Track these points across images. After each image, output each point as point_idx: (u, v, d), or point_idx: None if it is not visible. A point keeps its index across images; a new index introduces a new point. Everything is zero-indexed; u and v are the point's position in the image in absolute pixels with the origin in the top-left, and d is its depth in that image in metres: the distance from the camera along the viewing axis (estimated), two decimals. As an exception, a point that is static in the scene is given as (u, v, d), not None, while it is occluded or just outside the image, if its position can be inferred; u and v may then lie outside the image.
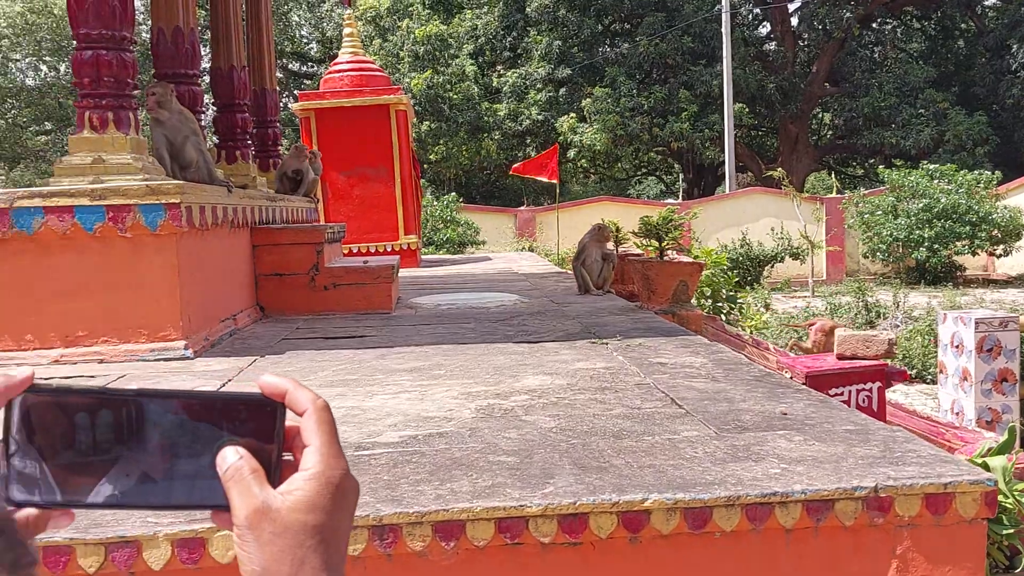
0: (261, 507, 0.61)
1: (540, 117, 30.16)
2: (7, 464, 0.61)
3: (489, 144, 31.84)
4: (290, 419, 0.65)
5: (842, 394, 3.90)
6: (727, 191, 22.82)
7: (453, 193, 22.06)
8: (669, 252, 5.59)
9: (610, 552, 2.05)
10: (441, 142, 30.31)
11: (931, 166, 18.33)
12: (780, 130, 32.01)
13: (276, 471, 0.64)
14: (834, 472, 2.08)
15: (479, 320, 5.25)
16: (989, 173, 17.99)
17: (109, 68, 4.25)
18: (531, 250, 18.24)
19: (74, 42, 4.33)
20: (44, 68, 34.57)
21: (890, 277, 18.24)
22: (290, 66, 37.24)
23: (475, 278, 8.62)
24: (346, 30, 12.17)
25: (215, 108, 6.82)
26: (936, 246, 16.87)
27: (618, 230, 6.84)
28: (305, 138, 11.06)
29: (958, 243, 16.97)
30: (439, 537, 2.01)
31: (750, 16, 33.45)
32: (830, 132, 33.77)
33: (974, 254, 17.53)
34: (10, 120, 33.50)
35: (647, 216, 5.67)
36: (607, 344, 4.19)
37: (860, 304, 12.95)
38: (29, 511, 0.62)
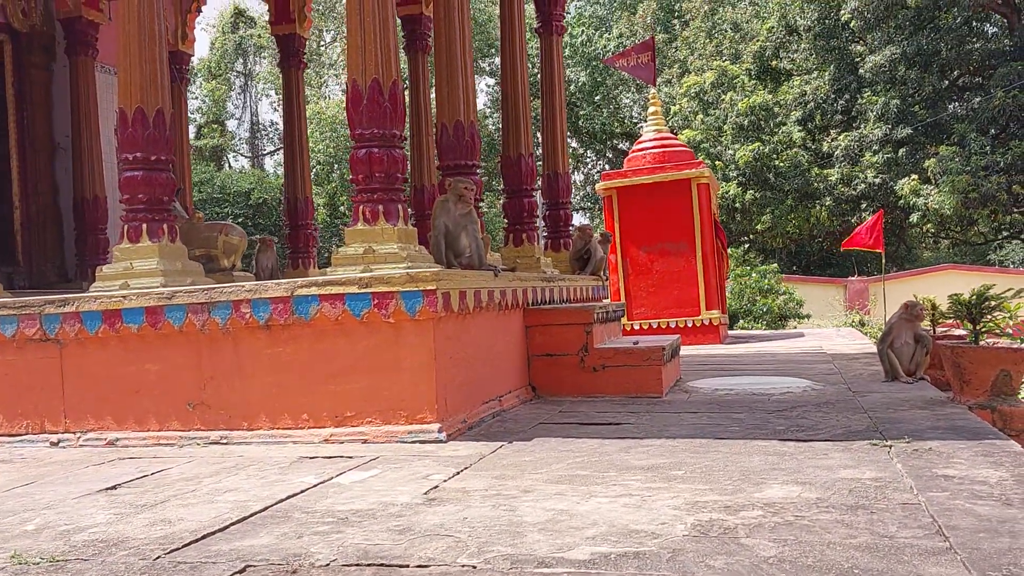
0: None
1: (877, 180, 28.10)
2: None
3: (819, 211, 30.23)
4: None
5: None
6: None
7: (775, 264, 21.06)
8: (988, 336, 4.72)
9: None
10: (767, 211, 29.37)
11: None
12: None
13: None
14: None
15: (752, 410, 4.78)
16: None
17: (380, 164, 4.52)
18: (862, 324, 16.79)
19: (352, 142, 4.67)
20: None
21: None
22: (619, 146, 38.34)
23: (775, 358, 7.99)
24: (650, 108, 12.22)
25: (504, 194, 7.08)
26: None
27: (934, 308, 5.97)
28: (607, 216, 11.17)
29: None
30: None
31: None
32: None
33: None
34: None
35: (957, 294, 4.86)
36: (890, 447, 3.56)
37: None
38: None
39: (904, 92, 28.40)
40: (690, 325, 10.52)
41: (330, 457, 3.99)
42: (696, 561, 2.23)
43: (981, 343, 4.67)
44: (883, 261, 16.34)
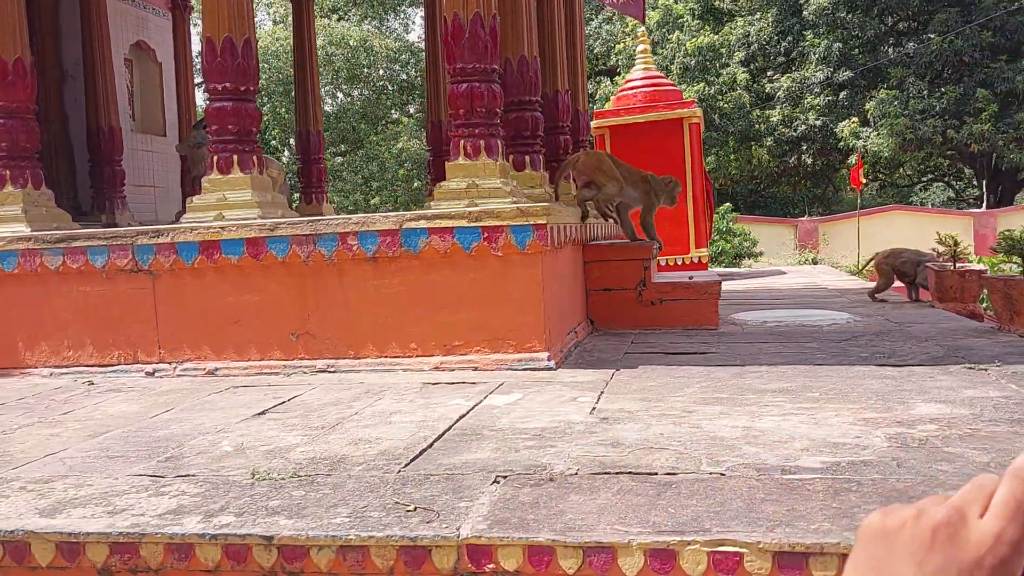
0: None
1: (817, 122, 28.88)
2: None
3: (760, 152, 30.97)
4: None
5: None
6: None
7: (728, 204, 21.61)
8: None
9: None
10: (712, 152, 29.90)
11: None
12: (1100, 128, 28.39)
13: None
14: None
15: (819, 340, 5.11)
16: None
17: (481, 99, 4.61)
18: (814, 262, 17.50)
19: (448, 75, 4.73)
20: (340, 95, 37.87)
21: None
22: (602, 83, 38.34)
23: (782, 293, 8.40)
24: (639, 47, 12.35)
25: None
26: None
27: (956, 244, 6.40)
28: (599, 154, 11.32)
29: None
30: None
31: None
32: None
33: None
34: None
35: (1009, 230, 5.25)
36: (987, 370, 3.92)
37: None
38: None
39: (845, 36, 28.99)
40: (680, 263, 10.85)
41: (452, 383, 4.16)
42: (925, 467, 2.50)
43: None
44: (859, 201, 16.91)
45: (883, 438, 2.84)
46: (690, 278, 6.07)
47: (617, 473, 2.57)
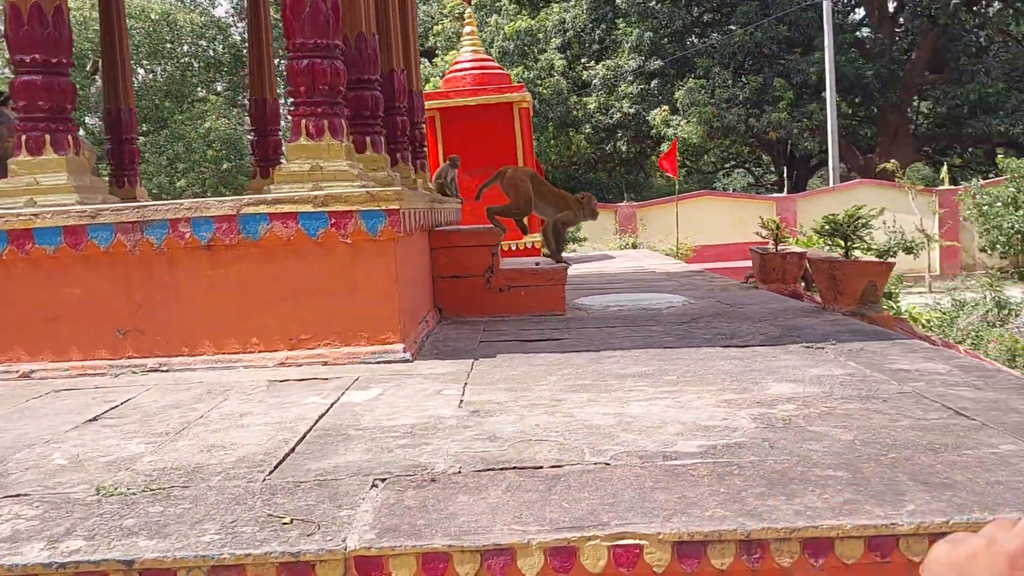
0: None
1: (631, 110, 29.97)
2: None
3: (578, 138, 31.78)
4: None
5: None
6: (831, 184, 22.30)
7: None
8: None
9: (979, 571, 2.02)
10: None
11: (1055, 155, 17.61)
12: (879, 119, 31.15)
13: None
14: None
15: (661, 323, 5.24)
16: (1119, 161, 17.24)
17: (324, 76, 4.36)
18: (634, 246, 18.15)
19: (289, 51, 4.45)
20: (141, 72, 35.56)
21: (1010, 272, 17.60)
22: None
23: (615, 277, 8.61)
24: (466, 28, 12.29)
25: (377, 111, 6.95)
26: (1063, 239, 16.23)
27: (778, 227, 6.75)
28: (430, 137, 11.19)
29: (1086, 236, 16.31)
30: (808, 554, 2.01)
31: (843, 1, 32.63)
32: (928, 120, 32.72)
33: (1108, 246, 16.83)
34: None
35: (832, 215, 5.58)
36: (824, 349, 4.13)
37: (990, 300, 12.52)
38: None
39: (656, 25, 30.18)
40: (514, 248, 10.91)
41: (303, 380, 3.93)
42: (797, 447, 2.57)
43: (851, 258, 5.43)
44: (677, 187, 17.60)
45: (749, 419, 2.90)
46: (536, 264, 6.08)
47: (502, 469, 2.48)
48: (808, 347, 4.21)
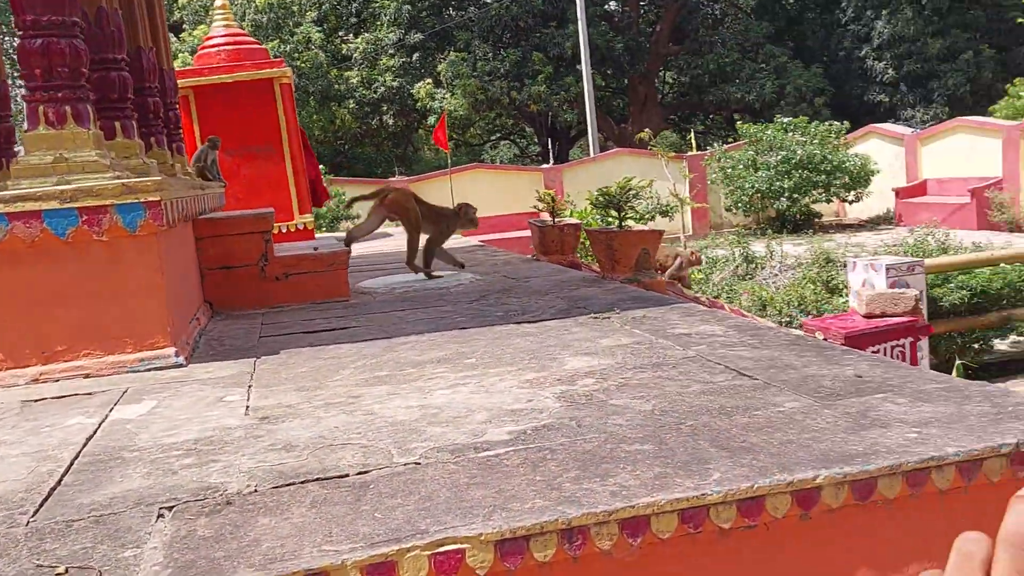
0: None
1: (395, 84, 29.69)
2: None
3: (342, 113, 31.08)
4: None
5: (879, 351, 4.14)
6: (591, 154, 23.26)
7: (322, 166, 21.39)
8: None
9: (782, 531, 2.12)
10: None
11: (785, 119, 19.38)
12: (629, 90, 32.85)
13: None
14: (969, 432, 2.23)
15: (452, 302, 5.19)
16: (839, 124, 19.24)
17: (62, 57, 3.88)
18: (410, 221, 18.02)
19: (18, 29, 3.92)
20: None
21: (752, 228, 19.22)
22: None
23: (397, 256, 8.45)
24: (218, 1, 11.53)
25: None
26: (795, 195, 17.91)
27: (553, 200, 6.89)
28: (185, 118, 10.44)
29: (815, 192, 18.08)
30: (626, 534, 2.02)
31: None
32: (674, 90, 34.94)
33: (828, 201, 18.74)
34: None
35: (605, 187, 5.74)
36: (610, 319, 4.24)
37: (739, 256, 13.59)
38: None
39: (414, -2, 29.93)
40: (285, 231, 10.47)
41: (63, 397, 3.51)
42: (603, 423, 2.58)
43: (625, 228, 5.62)
44: (450, 160, 17.57)
45: (553, 398, 2.90)
46: (315, 248, 5.82)
47: (303, 482, 2.30)
48: (596, 317, 4.30)
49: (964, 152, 18.18)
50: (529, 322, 4.34)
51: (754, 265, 13.67)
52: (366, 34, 30.71)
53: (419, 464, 2.37)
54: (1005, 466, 2.15)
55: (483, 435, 2.57)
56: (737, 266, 13.62)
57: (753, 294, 11.27)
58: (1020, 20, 21.32)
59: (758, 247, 14.88)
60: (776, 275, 13.03)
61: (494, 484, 2.17)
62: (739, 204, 19.26)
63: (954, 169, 18.29)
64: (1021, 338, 10.05)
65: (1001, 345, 10.26)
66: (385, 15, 30.14)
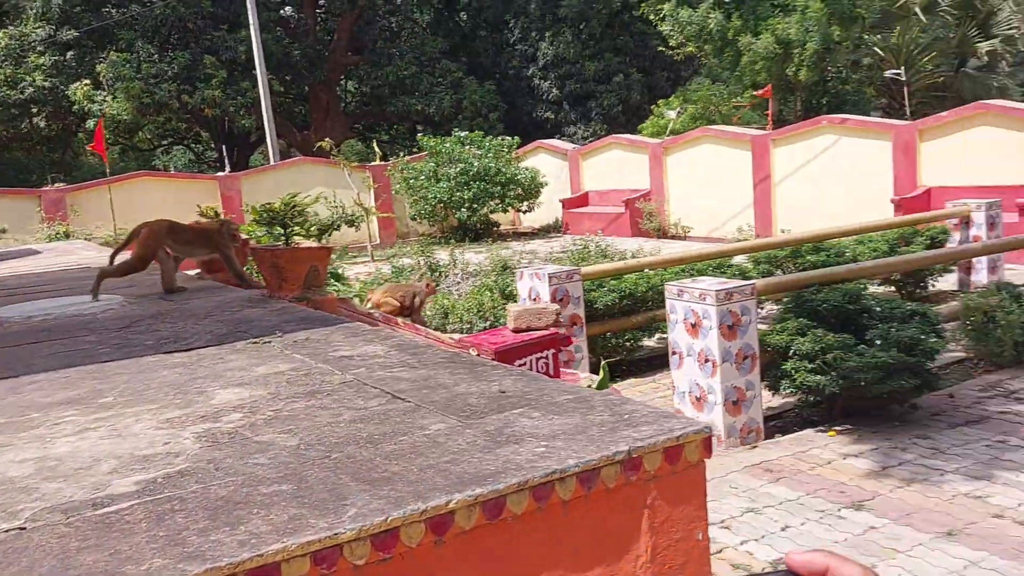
0: None
1: (47, 84, 26.90)
2: None
3: (-14, 115, 27.59)
4: None
5: (526, 364, 4.30)
6: (271, 161, 22.59)
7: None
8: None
9: (418, 559, 2.13)
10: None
11: (462, 133, 20.14)
12: (311, 98, 32.43)
13: None
14: (590, 442, 2.39)
15: (96, 331, 4.74)
16: (510, 139, 20.34)
17: None
18: (67, 236, 16.37)
19: None
20: None
21: (437, 237, 19.75)
22: None
23: (43, 278, 7.60)
24: None
25: None
26: (475, 206, 18.67)
27: (217, 215, 6.56)
28: None
29: (492, 202, 18.98)
30: (257, 584, 1.92)
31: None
32: (356, 99, 35.03)
33: (505, 211, 19.75)
34: None
35: (268, 203, 5.52)
36: (271, 343, 4.09)
37: (424, 264, 13.89)
38: None
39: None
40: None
41: None
42: (242, 464, 2.46)
43: (291, 245, 5.45)
44: (108, 170, 16.07)
45: (192, 439, 2.72)
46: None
47: None
48: (256, 342, 4.13)
49: (618, 166, 20.03)
50: (181, 351, 4.07)
51: (438, 273, 14.05)
52: (9, 28, 27.49)
53: (24, 530, 2.10)
54: (619, 472, 2.33)
55: (106, 488, 2.34)
56: (423, 275, 13.91)
57: (435, 303, 11.56)
58: (661, 48, 23.93)
59: (443, 255, 15.32)
60: (459, 283, 13.48)
61: (109, 546, 1.97)
62: (423, 213, 19.71)
63: (611, 182, 20.09)
64: (664, 335, 11.23)
65: (649, 342, 11.42)
66: (31, 8, 27.18)
